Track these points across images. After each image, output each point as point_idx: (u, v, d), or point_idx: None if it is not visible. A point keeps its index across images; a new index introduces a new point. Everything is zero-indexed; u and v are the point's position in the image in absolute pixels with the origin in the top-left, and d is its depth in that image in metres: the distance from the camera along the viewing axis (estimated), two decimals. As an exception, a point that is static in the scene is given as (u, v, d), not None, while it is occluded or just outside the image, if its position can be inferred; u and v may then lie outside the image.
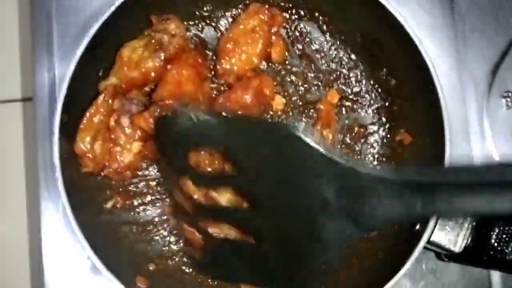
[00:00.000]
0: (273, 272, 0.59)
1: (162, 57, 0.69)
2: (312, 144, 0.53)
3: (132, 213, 0.73)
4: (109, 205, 0.72)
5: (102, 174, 0.71)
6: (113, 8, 0.66)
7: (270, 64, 0.76)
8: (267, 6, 0.73)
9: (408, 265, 0.64)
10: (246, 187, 0.58)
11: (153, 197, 0.74)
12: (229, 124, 0.60)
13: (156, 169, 0.74)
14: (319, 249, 0.54)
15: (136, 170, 0.73)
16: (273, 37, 0.73)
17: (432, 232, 0.65)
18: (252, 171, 0.57)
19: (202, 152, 0.63)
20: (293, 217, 0.55)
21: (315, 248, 0.55)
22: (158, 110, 0.66)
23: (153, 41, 0.70)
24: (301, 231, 0.55)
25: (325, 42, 0.77)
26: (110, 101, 0.68)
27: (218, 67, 0.72)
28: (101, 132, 0.69)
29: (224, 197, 0.62)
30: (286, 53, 0.76)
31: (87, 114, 0.68)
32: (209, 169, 0.63)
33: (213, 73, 0.75)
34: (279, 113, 0.76)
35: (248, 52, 0.72)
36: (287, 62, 0.77)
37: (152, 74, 0.70)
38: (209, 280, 0.73)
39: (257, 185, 0.57)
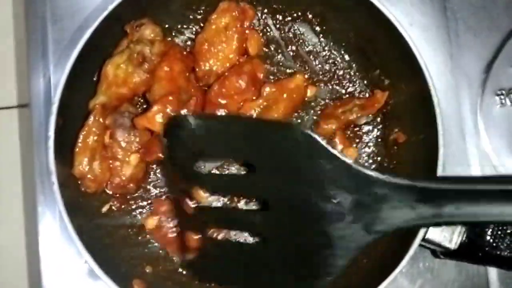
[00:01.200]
0: (273, 279, 0.58)
1: (147, 68, 0.69)
2: (329, 148, 0.52)
3: (128, 217, 0.73)
4: (105, 208, 0.72)
5: (107, 191, 0.71)
6: (106, 13, 0.66)
7: (265, 66, 0.76)
8: (237, 2, 0.73)
9: (404, 263, 0.64)
10: (260, 191, 0.57)
11: (149, 200, 0.74)
12: (245, 127, 0.58)
13: (152, 172, 0.75)
14: (330, 257, 0.54)
15: (140, 182, 0.73)
16: (247, 31, 0.73)
17: (427, 230, 0.65)
18: (268, 174, 0.56)
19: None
20: (305, 222, 0.54)
21: (326, 255, 0.54)
22: (159, 108, 0.66)
23: (135, 55, 0.69)
24: (312, 237, 0.54)
25: (319, 43, 0.78)
26: (101, 119, 0.68)
27: (197, 69, 0.72)
28: (97, 151, 0.69)
29: None
30: (265, 48, 0.77)
31: (81, 137, 0.67)
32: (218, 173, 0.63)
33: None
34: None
35: (225, 51, 0.72)
36: (281, 63, 0.77)
37: (142, 88, 0.70)
38: (207, 284, 0.73)
39: (272, 188, 0.56)
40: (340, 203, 0.52)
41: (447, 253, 0.67)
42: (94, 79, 0.71)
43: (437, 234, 0.65)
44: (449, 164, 0.77)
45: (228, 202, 0.74)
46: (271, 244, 0.57)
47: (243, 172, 0.69)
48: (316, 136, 0.52)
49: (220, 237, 0.69)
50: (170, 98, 0.67)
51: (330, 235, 0.53)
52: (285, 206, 0.55)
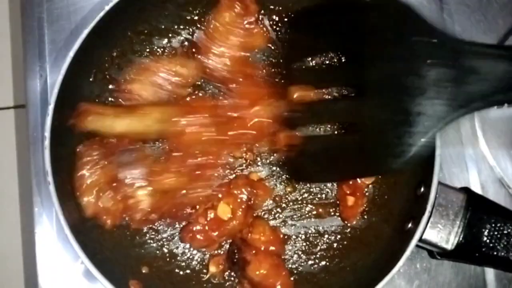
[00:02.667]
0: (370, 164, 0.60)
1: None
2: (426, 20, 0.53)
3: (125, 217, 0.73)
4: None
5: (132, 227, 0.71)
6: (103, 13, 0.66)
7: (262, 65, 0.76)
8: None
9: (400, 263, 0.64)
10: (357, 78, 0.59)
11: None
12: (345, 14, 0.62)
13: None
14: (406, 134, 0.54)
15: (162, 210, 0.71)
16: (252, 26, 0.73)
17: (424, 230, 0.65)
18: (366, 59, 0.58)
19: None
20: (390, 100, 0.55)
21: (413, 131, 0.54)
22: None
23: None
24: (402, 114, 0.54)
25: (316, 44, 0.77)
26: (90, 157, 0.68)
27: (206, 67, 0.72)
28: (100, 186, 0.68)
29: None
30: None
31: (78, 180, 0.67)
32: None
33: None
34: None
35: (230, 47, 0.72)
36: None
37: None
38: (204, 284, 0.73)
39: (367, 74, 0.57)
40: (424, 77, 0.52)
41: (444, 254, 0.67)
42: (91, 79, 0.71)
43: (433, 235, 0.65)
44: (446, 164, 0.77)
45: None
46: (361, 129, 0.59)
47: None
48: (412, 9, 0.54)
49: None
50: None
51: (409, 111, 0.53)
52: (376, 89, 0.57)
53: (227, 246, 0.73)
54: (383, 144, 0.57)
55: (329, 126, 0.73)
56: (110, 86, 0.72)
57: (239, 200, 0.70)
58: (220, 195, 0.70)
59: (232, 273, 0.72)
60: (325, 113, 0.65)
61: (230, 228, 0.70)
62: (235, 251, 0.70)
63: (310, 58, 0.73)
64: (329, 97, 0.70)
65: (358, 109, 0.59)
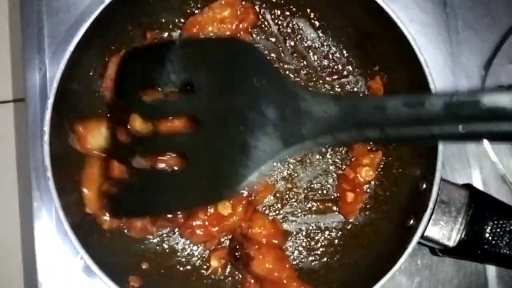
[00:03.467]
0: (200, 194, 0.61)
1: None
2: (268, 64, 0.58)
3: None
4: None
5: (128, 234, 0.71)
6: (103, 6, 0.65)
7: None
8: (243, 2, 0.72)
9: (402, 260, 0.63)
10: (196, 110, 0.60)
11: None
12: (190, 47, 0.64)
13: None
14: (250, 165, 0.56)
15: (161, 226, 0.72)
16: (241, 33, 0.72)
17: (426, 227, 0.64)
18: (206, 93, 0.60)
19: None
20: (229, 134, 0.57)
21: (247, 163, 0.56)
22: None
23: None
24: (231, 147, 0.57)
25: (317, 39, 0.77)
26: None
27: None
28: (106, 185, 0.68)
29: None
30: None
31: (86, 174, 0.68)
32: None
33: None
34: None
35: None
36: (279, 59, 0.76)
37: None
38: (204, 280, 0.73)
39: (208, 106, 0.59)
40: (265, 114, 0.56)
41: (446, 251, 0.67)
42: (91, 73, 0.70)
43: (435, 232, 0.65)
44: (448, 160, 0.77)
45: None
46: (195, 162, 0.60)
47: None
48: (258, 50, 0.58)
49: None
50: None
51: (247, 143, 0.56)
52: (216, 122, 0.59)
53: (227, 242, 0.73)
54: (218, 174, 0.59)
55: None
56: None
57: (239, 196, 0.70)
58: None
59: (234, 269, 0.72)
60: (161, 145, 0.63)
61: (230, 224, 0.69)
62: (237, 247, 0.70)
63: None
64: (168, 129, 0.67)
65: (195, 141, 0.60)
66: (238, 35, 0.72)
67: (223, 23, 0.71)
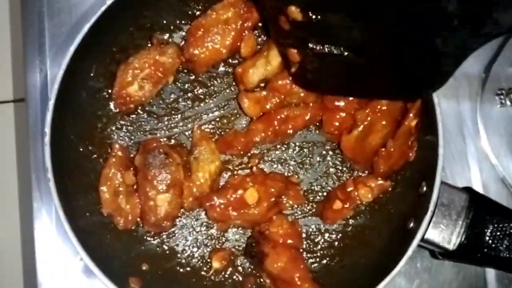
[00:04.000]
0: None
1: None
2: None
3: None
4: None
5: (143, 229, 0.71)
6: (104, 8, 0.66)
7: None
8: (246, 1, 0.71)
9: (402, 263, 0.63)
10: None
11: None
12: None
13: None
14: (445, 63, 0.55)
15: (175, 219, 0.72)
16: (246, 32, 0.72)
17: (426, 230, 0.64)
18: None
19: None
20: (409, 31, 0.55)
21: (441, 62, 0.55)
22: None
23: None
24: (415, 46, 0.55)
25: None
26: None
27: (185, 51, 0.71)
28: (122, 188, 0.69)
29: None
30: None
31: (103, 175, 0.69)
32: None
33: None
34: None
35: (218, 43, 0.71)
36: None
37: None
38: (204, 282, 0.73)
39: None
40: (447, 8, 0.51)
41: (446, 254, 0.67)
42: (92, 74, 0.70)
43: (436, 235, 0.65)
44: (448, 163, 0.77)
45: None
46: (373, 57, 0.58)
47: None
48: None
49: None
50: None
51: (434, 43, 0.53)
52: (389, 17, 0.54)
53: (228, 244, 0.73)
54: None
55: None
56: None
57: (269, 192, 0.70)
58: (251, 184, 0.70)
59: (234, 272, 0.73)
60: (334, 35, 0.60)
61: (250, 214, 0.69)
62: (253, 244, 0.70)
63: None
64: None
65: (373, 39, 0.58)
66: (243, 34, 0.72)
67: (228, 24, 0.71)
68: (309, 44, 0.62)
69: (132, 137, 0.74)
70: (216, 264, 0.72)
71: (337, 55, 0.61)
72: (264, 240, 0.69)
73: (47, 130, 0.63)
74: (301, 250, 0.72)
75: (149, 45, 0.73)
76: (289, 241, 0.70)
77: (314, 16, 0.59)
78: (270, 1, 0.62)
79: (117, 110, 0.72)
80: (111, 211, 0.69)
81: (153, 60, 0.71)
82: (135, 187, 0.70)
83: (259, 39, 0.75)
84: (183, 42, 0.74)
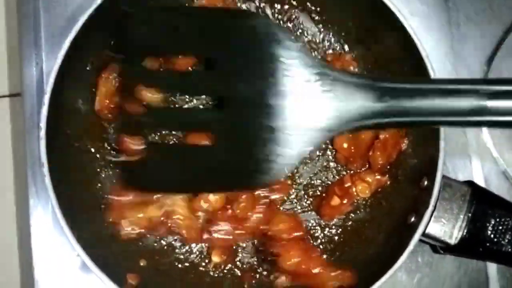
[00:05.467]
0: (230, 176, 0.56)
1: None
2: (288, 37, 0.52)
3: (122, 209, 0.72)
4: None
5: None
6: (101, 0, 0.65)
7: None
8: None
9: (403, 258, 0.63)
10: (216, 88, 0.55)
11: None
12: (202, 17, 0.56)
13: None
14: (274, 153, 0.53)
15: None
16: None
17: (427, 225, 0.64)
18: (226, 68, 0.54)
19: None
20: (256, 117, 0.53)
21: (272, 150, 0.53)
22: None
23: None
24: (261, 132, 0.53)
25: (318, 33, 0.76)
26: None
27: None
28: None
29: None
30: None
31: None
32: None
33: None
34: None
35: None
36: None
37: None
38: (203, 277, 0.72)
39: (229, 84, 0.54)
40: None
41: (447, 249, 0.66)
42: (88, 68, 0.69)
43: (437, 229, 0.65)
44: (448, 156, 0.76)
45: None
46: (221, 143, 0.55)
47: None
48: (275, 25, 0.53)
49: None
50: None
51: (277, 129, 0.52)
52: (239, 102, 0.54)
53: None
54: (248, 158, 0.54)
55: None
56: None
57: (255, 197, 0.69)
58: None
59: (233, 267, 0.72)
60: (180, 120, 0.59)
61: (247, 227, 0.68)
62: (260, 248, 0.69)
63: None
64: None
65: (220, 120, 0.55)
66: None
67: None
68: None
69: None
70: (216, 258, 0.71)
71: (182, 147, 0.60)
72: (270, 241, 0.68)
73: (42, 124, 0.62)
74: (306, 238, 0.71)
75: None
76: (295, 233, 0.69)
77: None
78: None
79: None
80: (116, 219, 0.68)
81: None
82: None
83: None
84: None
